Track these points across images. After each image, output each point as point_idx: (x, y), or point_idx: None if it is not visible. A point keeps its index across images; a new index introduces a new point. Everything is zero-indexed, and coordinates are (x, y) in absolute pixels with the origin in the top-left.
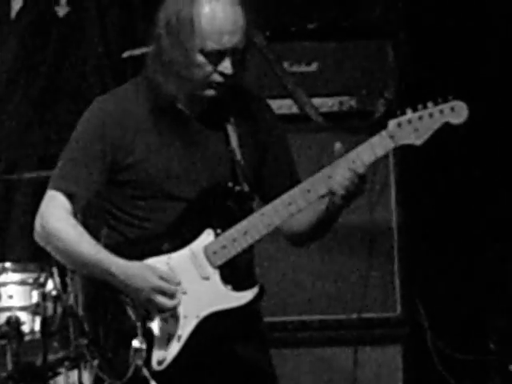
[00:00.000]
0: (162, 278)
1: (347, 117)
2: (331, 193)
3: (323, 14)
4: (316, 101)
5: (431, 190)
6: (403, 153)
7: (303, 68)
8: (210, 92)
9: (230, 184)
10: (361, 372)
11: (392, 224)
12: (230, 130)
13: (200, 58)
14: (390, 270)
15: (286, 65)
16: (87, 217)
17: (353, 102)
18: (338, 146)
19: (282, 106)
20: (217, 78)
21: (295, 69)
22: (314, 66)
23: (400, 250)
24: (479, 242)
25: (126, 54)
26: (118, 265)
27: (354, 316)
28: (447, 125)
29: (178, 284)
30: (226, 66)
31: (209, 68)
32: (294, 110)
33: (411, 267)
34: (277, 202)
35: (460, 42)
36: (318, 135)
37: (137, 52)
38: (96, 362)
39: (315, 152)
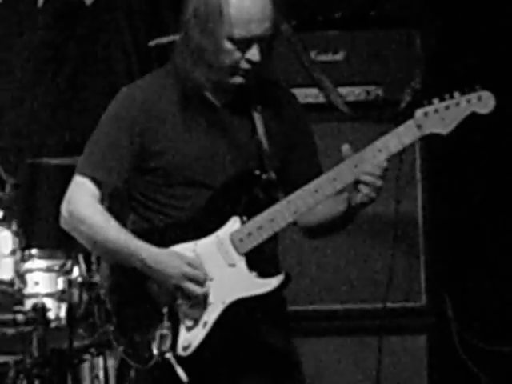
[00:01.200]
0: (191, 265)
1: (373, 106)
2: (358, 182)
3: (350, 3)
4: (342, 90)
5: (457, 179)
6: (429, 143)
7: (330, 57)
8: (238, 79)
9: (257, 172)
10: (385, 362)
11: (418, 214)
12: (257, 118)
13: (228, 45)
14: (416, 259)
15: (312, 54)
16: (113, 203)
17: (379, 92)
18: (345, 147)
19: (308, 95)
20: (244, 65)
21: (321, 58)
22: (340, 55)
23: (426, 239)
24: (505, 232)
25: (152, 43)
26: (148, 251)
27: (379, 305)
28: (474, 114)
29: (206, 273)
30: (254, 53)
31: (237, 55)
32: (320, 99)
33: (437, 256)
34: (303, 189)
35: (487, 32)
36: (344, 124)
37: (163, 40)
38: (121, 348)
39: (341, 141)
